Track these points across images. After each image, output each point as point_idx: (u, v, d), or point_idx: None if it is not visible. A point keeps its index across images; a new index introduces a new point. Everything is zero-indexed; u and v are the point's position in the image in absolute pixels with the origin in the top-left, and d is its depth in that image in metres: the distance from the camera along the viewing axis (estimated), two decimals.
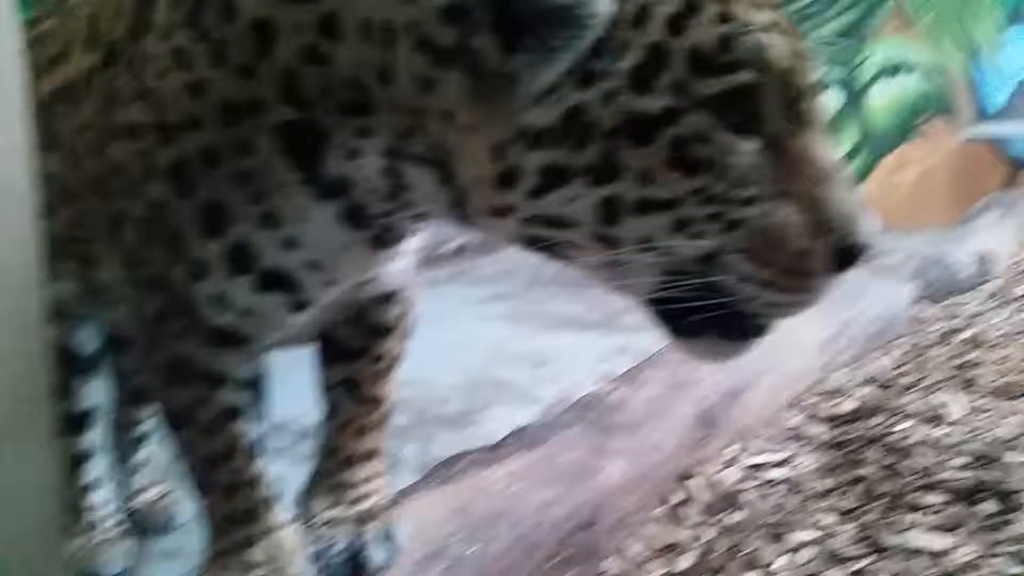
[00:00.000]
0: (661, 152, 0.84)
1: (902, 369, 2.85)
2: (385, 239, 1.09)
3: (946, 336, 3.17)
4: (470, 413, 2.47)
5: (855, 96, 5.72)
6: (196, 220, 1.03)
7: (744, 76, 0.83)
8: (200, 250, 1.04)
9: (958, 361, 2.89)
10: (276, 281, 1.07)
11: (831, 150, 0.90)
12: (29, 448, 1.09)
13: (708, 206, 0.86)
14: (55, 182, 1.28)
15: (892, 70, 5.74)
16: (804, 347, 2.67)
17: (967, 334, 3.16)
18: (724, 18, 0.83)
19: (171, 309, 1.10)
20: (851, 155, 5.76)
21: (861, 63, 5.68)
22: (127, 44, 1.10)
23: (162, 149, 1.02)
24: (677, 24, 0.83)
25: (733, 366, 2.34)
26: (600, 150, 0.85)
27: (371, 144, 0.97)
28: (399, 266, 1.24)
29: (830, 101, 5.70)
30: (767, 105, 0.86)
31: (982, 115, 5.92)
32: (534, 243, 0.94)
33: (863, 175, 5.78)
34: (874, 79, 5.72)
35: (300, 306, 1.11)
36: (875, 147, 5.76)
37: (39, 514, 1.11)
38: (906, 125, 5.77)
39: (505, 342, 3.09)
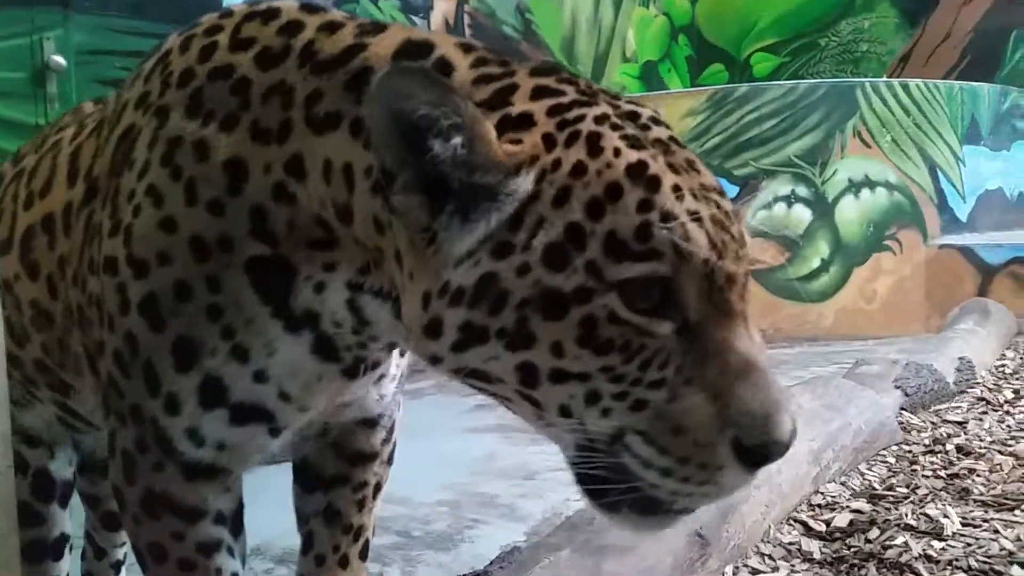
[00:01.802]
0: (571, 329, 0.84)
1: (893, 480, 2.81)
2: (357, 368, 1.10)
3: (934, 444, 3.15)
4: (456, 533, 2.39)
5: (823, 211, 5.91)
6: (168, 354, 1.03)
7: (659, 265, 0.83)
8: (172, 384, 1.04)
9: (949, 471, 2.85)
10: (249, 413, 1.07)
11: (757, 342, 0.87)
12: None
13: (616, 384, 0.85)
14: (35, 309, 1.28)
15: (858, 186, 5.95)
16: (794, 459, 2.63)
17: (955, 442, 3.14)
18: (645, 206, 0.84)
19: (146, 442, 1.08)
20: (824, 267, 5.89)
21: (827, 181, 5.90)
22: (107, 180, 1.13)
23: (135, 283, 1.03)
24: (597, 208, 0.84)
25: None
26: (513, 318, 0.85)
27: (335, 277, 1.00)
28: (382, 391, 1.24)
29: (800, 216, 5.89)
30: (683, 293, 0.85)
31: (949, 227, 6.11)
32: (473, 388, 0.95)
33: (837, 286, 5.89)
34: (841, 195, 5.93)
35: (275, 432, 1.11)
36: (847, 258, 5.90)
37: None
38: (876, 237, 5.93)
39: (491, 455, 3.03)
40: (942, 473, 2.84)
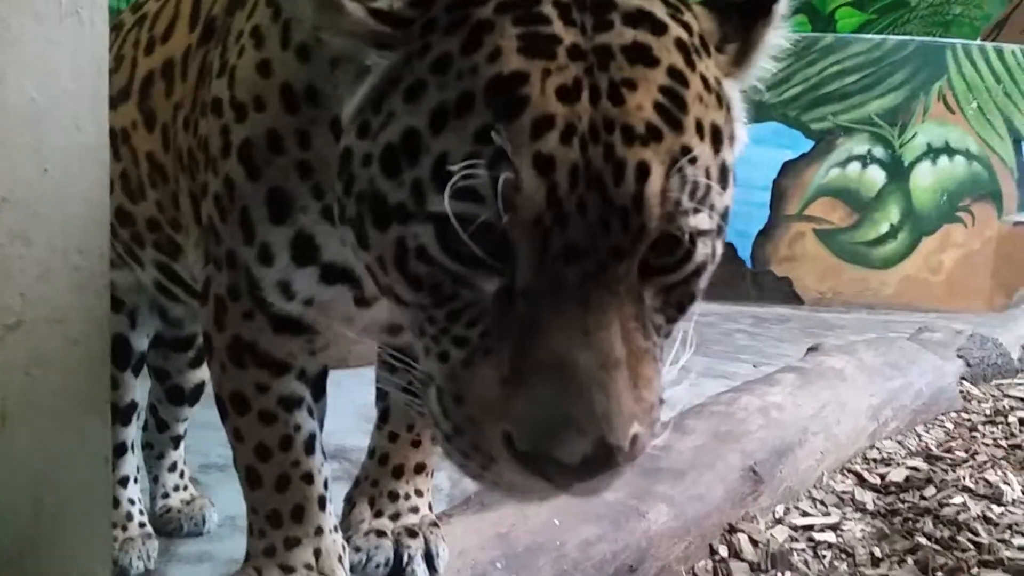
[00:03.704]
0: (390, 248, 0.73)
1: (952, 444, 2.74)
2: None
3: (995, 416, 3.07)
4: None
5: (898, 175, 5.72)
6: (263, 204, 1.01)
7: (480, 209, 0.66)
8: (266, 235, 1.02)
9: (1010, 441, 2.78)
10: (339, 275, 1.04)
11: (595, 342, 0.67)
12: (86, 412, 1.07)
13: (431, 325, 0.74)
14: (151, 163, 1.28)
15: (936, 153, 5.73)
16: (852, 412, 2.58)
17: (1018, 415, 3.05)
18: (484, 134, 0.66)
19: (239, 289, 1.07)
20: (892, 233, 5.72)
21: (904, 144, 5.69)
22: (222, 20, 1.11)
23: (236, 127, 1.01)
24: (441, 119, 0.68)
25: (780, 424, 2.30)
26: (355, 210, 0.77)
27: None
28: None
29: (873, 178, 5.70)
30: (516, 251, 0.68)
31: None
32: None
33: (903, 254, 5.73)
34: (917, 160, 5.72)
35: (364, 301, 1.08)
36: (916, 227, 5.71)
37: (93, 475, 1.10)
38: (949, 207, 5.73)
39: None
40: (1003, 443, 2.76)
